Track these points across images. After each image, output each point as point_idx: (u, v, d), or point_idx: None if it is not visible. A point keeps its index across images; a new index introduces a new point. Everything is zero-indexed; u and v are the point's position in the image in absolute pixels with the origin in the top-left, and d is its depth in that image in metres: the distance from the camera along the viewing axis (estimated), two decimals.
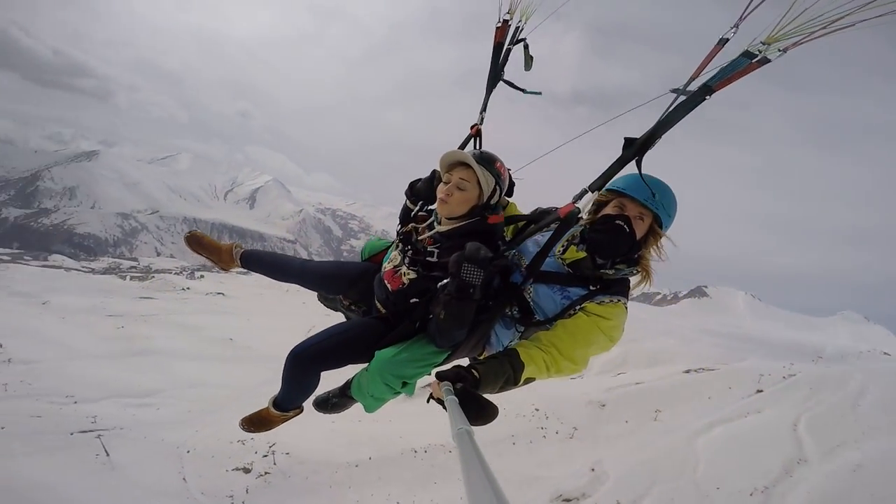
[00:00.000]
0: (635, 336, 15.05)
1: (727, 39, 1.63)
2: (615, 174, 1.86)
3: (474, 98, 2.74)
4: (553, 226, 2.08)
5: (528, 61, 2.66)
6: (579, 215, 1.97)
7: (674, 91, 1.70)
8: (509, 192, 2.44)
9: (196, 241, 2.91)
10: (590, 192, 1.92)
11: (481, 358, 2.31)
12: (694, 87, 1.67)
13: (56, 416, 11.11)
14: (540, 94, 2.70)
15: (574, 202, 1.96)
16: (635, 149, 1.76)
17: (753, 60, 1.56)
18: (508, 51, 2.66)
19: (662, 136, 1.74)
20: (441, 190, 2.22)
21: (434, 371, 1.90)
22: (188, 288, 31.70)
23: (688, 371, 12.43)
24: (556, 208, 2.18)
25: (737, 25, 1.61)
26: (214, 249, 2.91)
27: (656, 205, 1.98)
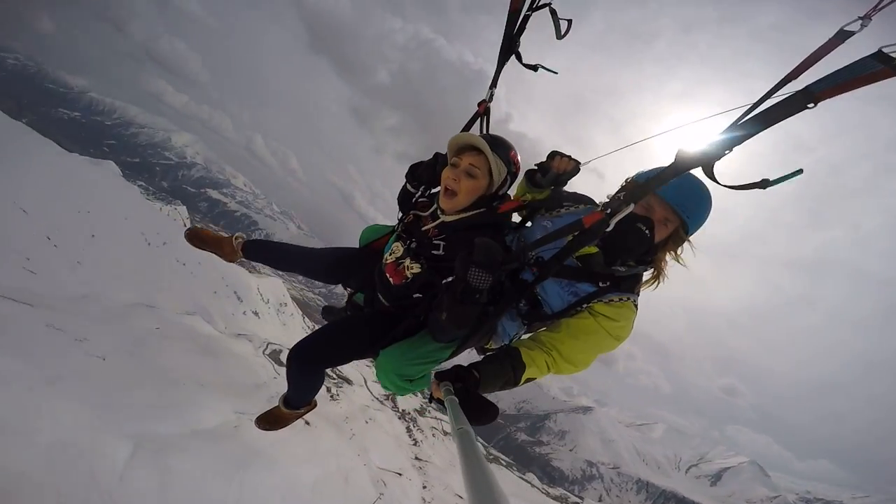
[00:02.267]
0: None
1: (851, 33, 1.15)
2: (660, 186, 1.48)
3: None
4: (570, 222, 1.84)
5: (559, 27, 2.25)
6: (607, 229, 1.61)
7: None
8: (563, 183, 2.18)
9: (196, 237, 2.87)
10: (625, 205, 1.57)
11: (486, 346, 2.29)
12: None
13: None
14: (557, 73, 2.39)
15: (603, 211, 1.62)
16: (694, 160, 1.32)
17: (889, 66, 1.04)
18: (526, 17, 2.30)
19: (734, 148, 1.25)
20: (447, 175, 2.06)
21: (435, 370, 1.90)
22: None
23: None
24: (575, 196, 2.14)
25: (868, 17, 1.12)
26: (215, 242, 2.85)
27: (687, 212, 1.82)
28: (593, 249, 1.92)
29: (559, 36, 2.25)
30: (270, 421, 2.86)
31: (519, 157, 2.16)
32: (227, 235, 2.89)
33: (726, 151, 1.25)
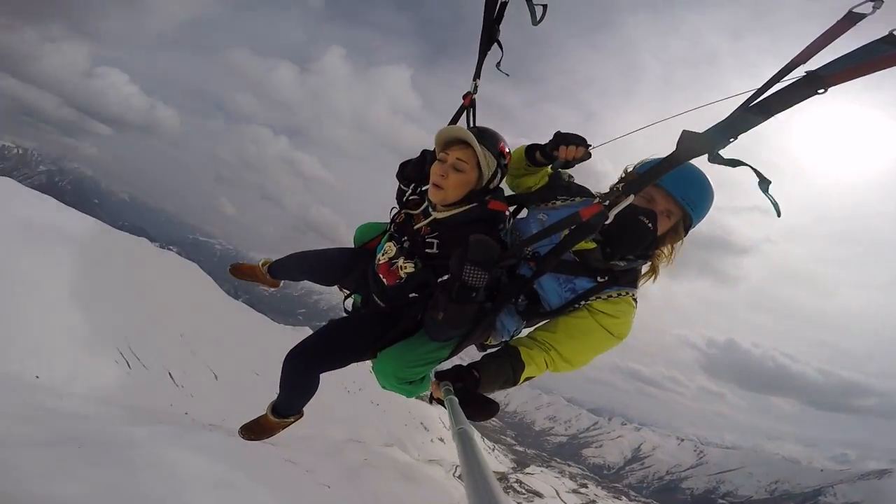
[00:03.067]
0: None
1: (861, 15, 1.07)
2: (661, 176, 1.42)
3: None
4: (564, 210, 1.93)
5: (535, 12, 2.14)
6: (606, 222, 1.55)
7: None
8: (571, 167, 2.05)
9: (239, 272, 3.08)
10: (624, 196, 1.52)
11: (486, 343, 2.23)
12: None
13: None
14: (508, 75, 2.30)
15: (601, 202, 1.55)
16: (695, 149, 1.26)
17: None
18: (504, 4, 2.21)
19: (738, 137, 1.20)
20: (435, 170, 1.99)
21: (435, 370, 1.90)
22: None
23: None
24: (571, 188, 2.07)
25: None
26: (251, 272, 3.01)
27: (691, 204, 1.78)
28: (591, 245, 1.85)
29: (535, 22, 2.16)
30: (255, 430, 2.65)
31: (508, 149, 2.10)
32: (258, 265, 2.99)
33: (730, 140, 1.20)
